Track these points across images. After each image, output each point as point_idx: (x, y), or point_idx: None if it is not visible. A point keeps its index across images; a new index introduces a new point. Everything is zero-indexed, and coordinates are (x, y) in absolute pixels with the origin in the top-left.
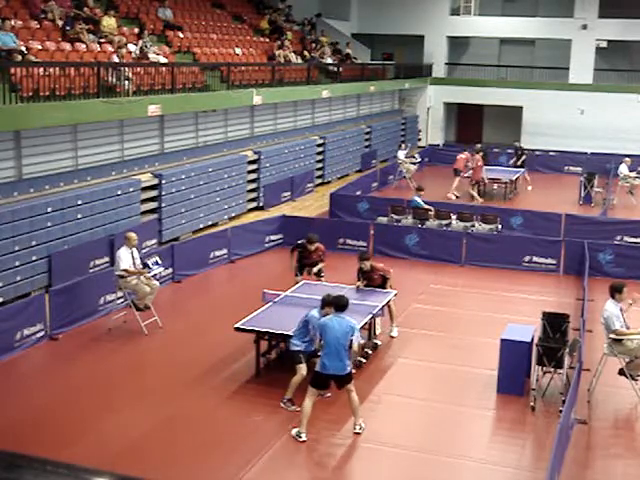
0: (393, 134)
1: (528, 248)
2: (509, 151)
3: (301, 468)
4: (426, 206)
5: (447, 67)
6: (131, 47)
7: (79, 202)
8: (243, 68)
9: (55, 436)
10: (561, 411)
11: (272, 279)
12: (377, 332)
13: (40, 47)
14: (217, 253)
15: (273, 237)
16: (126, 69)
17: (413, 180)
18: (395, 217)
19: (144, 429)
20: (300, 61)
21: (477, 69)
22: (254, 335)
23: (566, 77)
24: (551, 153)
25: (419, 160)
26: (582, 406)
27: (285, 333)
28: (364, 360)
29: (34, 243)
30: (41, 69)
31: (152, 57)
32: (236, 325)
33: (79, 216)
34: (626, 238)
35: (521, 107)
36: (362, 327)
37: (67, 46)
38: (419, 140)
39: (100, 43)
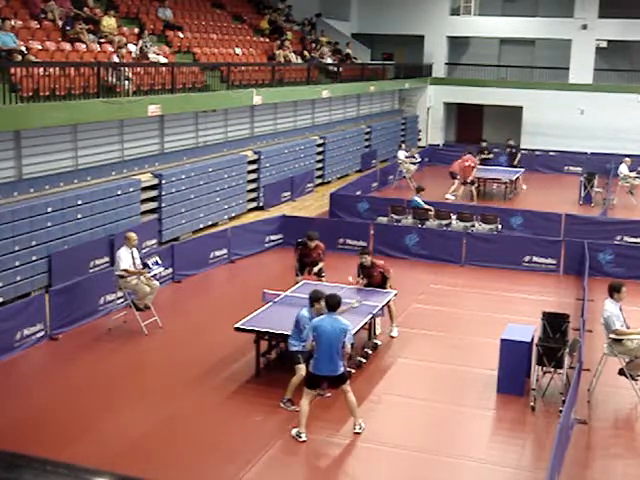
0: (393, 134)
1: (528, 248)
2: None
3: (301, 468)
4: (426, 206)
5: (447, 67)
6: (131, 47)
7: (79, 202)
8: (243, 68)
9: (55, 436)
10: (561, 411)
11: (272, 279)
12: (377, 332)
13: (40, 47)
14: (217, 253)
15: (273, 237)
16: (126, 69)
17: (413, 180)
18: (395, 217)
19: (144, 429)
20: (300, 61)
21: (477, 69)
22: (254, 335)
23: (566, 77)
24: (551, 153)
25: (419, 160)
26: (582, 406)
27: (285, 333)
28: (364, 360)
29: (34, 243)
30: (41, 69)
31: (152, 57)
32: (236, 325)
33: (79, 216)
34: (626, 238)
35: (521, 107)
36: (362, 327)
37: (67, 46)
38: (419, 140)
39: (100, 43)
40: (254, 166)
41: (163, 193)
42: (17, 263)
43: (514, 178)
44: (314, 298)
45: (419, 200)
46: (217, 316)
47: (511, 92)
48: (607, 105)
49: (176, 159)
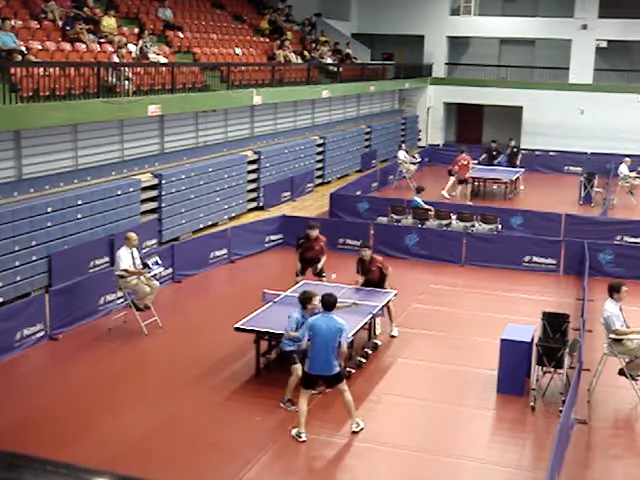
0: (393, 134)
1: (528, 248)
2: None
3: (301, 468)
4: (426, 206)
5: (447, 67)
6: (131, 47)
7: (79, 202)
8: (243, 68)
9: (55, 436)
10: (561, 411)
11: (272, 279)
12: (377, 332)
13: (40, 47)
14: (217, 253)
15: (273, 237)
16: (126, 69)
17: (413, 180)
18: (395, 217)
19: (144, 429)
20: (300, 61)
21: (477, 69)
22: (254, 335)
23: (566, 77)
24: (551, 153)
25: (419, 160)
26: (582, 406)
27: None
28: (364, 360)
29: (34, 243)
30: (41, 69)
31: (152, 57)
32: (236, 325)
33: (79, 216)
34: (626, 238)
35: (521, 107)
36: (362, 327)
37: (67, 46)
38: (419, 140)
39: (100, 43)
40: (254, 166)
41: (163, 193)
42: (17, 263)
43: (514, 178)
44: (305, 299)
45: (419, 200)
46: (217, 316)
47: (511, 92)
48: (607, 105)
49: (176, 159)
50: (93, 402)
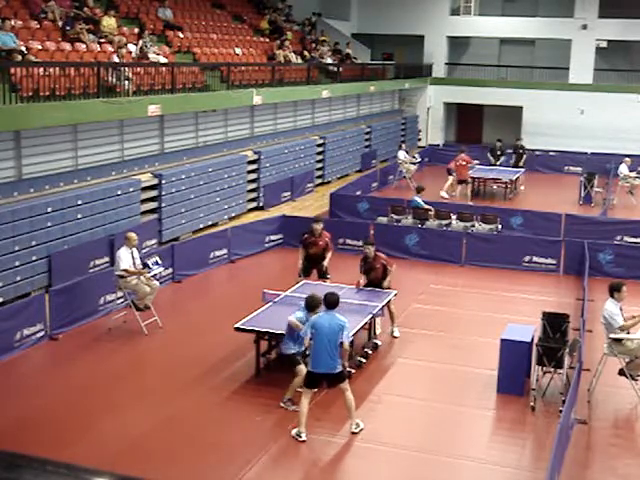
0: (393, 134)
1: (528, 248)
2: (509, 151)
3: (301, 468)
4: (426, 206)
5: (447, 67)
6: (131, 47)
7: (79, 202)
8: (243, 68)
9: (55, 436)
10: (561, 411)
11: (272, 279)
12: (377, 332)
13: (40, 47)
14: (217, 253)
15: (273, 237)
16: (126, 69)
17: (413, 180)
18: (395, 217)
19: (144, 429)
20: (300, 61)
21: (477, 69)
22: (254, 335)
23: (566, 77)
24: (551, 153)
25: (419, 160)
26: (582, 406)
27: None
28: (364, 360)
29: (34, 243)
30: (41, 69)
31: (152, 57)
32: (236, 325)
33: (79, 216)
34: (626, 238)
35: (521, 107)
36: (362, 327)
37: (67, 46)
38: (419, 140)
39: (100, 43)
40: (254, 166)
41: (163, 193)
42: (17, 263)
43: (514, 178)
44: (314, 305)
45: (419, 200)
46: (217, 316)
47: (511, 92)
48: (607, 105)
49: (176, 159)
50: (93, 402)
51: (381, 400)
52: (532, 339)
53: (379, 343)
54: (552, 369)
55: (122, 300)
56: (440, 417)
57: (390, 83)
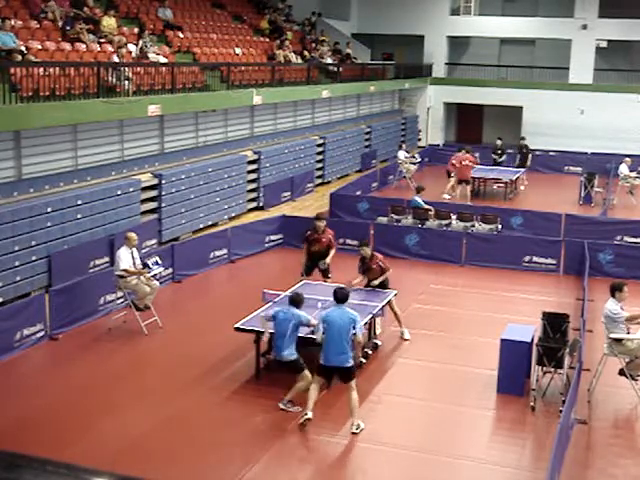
0: (393, 134)
1: (528, 248)
2: (509, 151)
3: (301, 468)
4: (426, 206)
5: (447, 67)
6: (131, 47)
7: (79, 202)
8: (243, 68)
9: (55, 436)
10: (561, 411)
11: (272, 279)
12: (377, 332)
13: (40, 47)
14: (217, 253)
15: (273, 237)
16: (126, 69)
17: (413, 180)
18: (395, 217)
19: (144, 429)
20: (300, 61)
21: (477, 69)
22: (254, 335)
23: (566, 77)
24: (551, 153)
25: (419, 160)
26: (582, 406)
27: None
28: (364, 360)
29: (34, 243)
30: (41, 69)
31: (152, 57)
32: (236, 325)
33: (79, 216)
34: (626, 238)
35: (521, 107)
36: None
37: (67, 46)
38: (419, 140)
39: (100, 43)
40: (254, 166)
41: (163, 193)
42: (17, 263)
43: (514, 178)
44: (298, 301)
45: (419, 200)
46: (217, 316)
47: (511, 92)
48: (607, 105)
49: (176, 159)
50: (93, 402)
51: (381, 400)
52: (532, 339)
53: (379, 343)
54: (552, 369)
55: (122, 300)
56: (440, 417)
57: (390, 83)
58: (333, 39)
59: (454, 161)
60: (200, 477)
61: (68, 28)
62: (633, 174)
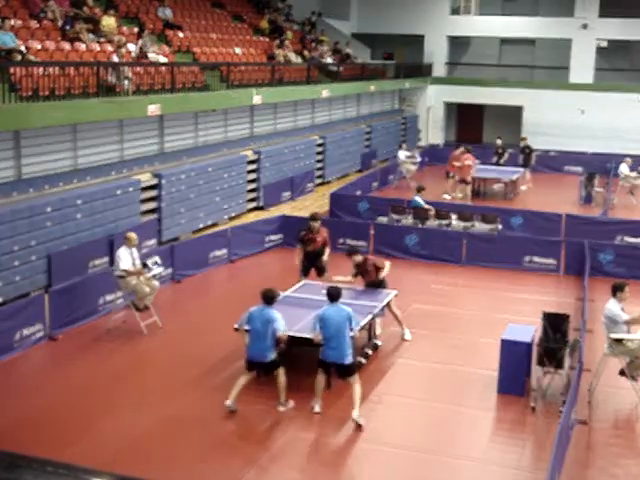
0: (393, 134)
1: (528, 248)
2: (510, 150)
3: (301, 468)
4: (426, 206)
5: (447, 67)
6: (131, 47)
7: (78, 202)
8: (243, 68)
9: (55, 436)
10: (561, 411)
11: (272, 279)
12: (377, 332)
13: (39, 47)
14: (217, 253)
15: (273, 237)
16: (126, 69)
17: (413, 180)
18: (395, 217)
19: (144, 429)
20: (300, 61)
21: (477, 69)
22: None
23: (566, 77)
24: (551, 153)
25: (419, 160)
26: (582, 406)
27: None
28: (364, 360)
29: (33, 243)
30: (40, 69)
31: (152, 57)
32: (236, 325)
33: (78, 216)
34: (626, 238)
35: (521, 107)
36: (362, 327)
37: (67, 46)
38: (419, 140)
39: (100, 43)
40: (254, 166)
41: (163, 193)
42: (17, 263)
43: (514, 178)
44: (270, 297)
45: (419, 200)
46: (217, 316)
47: (511, 92)
48: (607, 105)
49: (176, 159)
50: (93, 402)
51: (381, 400)
52: (532, 339)
53: (379, 343)
54: (552, 369)
55: (122, 300)
56: (440, 417)
57: (390, 83)
58: (333, 39)
59: (457, 163)
60: (200, 477)
61: (68, 28)
62: (633, 174)
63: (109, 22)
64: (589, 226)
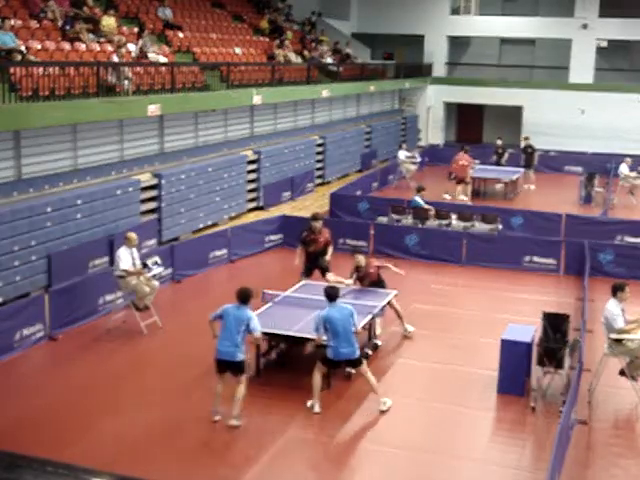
0: (393, 134)
1: (528, 248)
2: (510, 150)
3: (301, 468)
4: (426, 206)
5: (447, 67)
6: (131, 47)
7: (78, 202)
8: (243, 68)
9: (55, 436)
10: (561, 411)
11: (272, 279)
12: (377, 332)
13: (40, 47)
14: (217, 253)
15: (273, 237)
16: (126, 69)
17: (413, 180)
18: (395, 217)
19: (144, 429)
20: (300, 61)
21: (477, 69)
22: None
23: (566, 77)
24: (551, 153)
25: (419, 160)
26: (582, 406)
27: (285, 333)
28: (364, 360)
29: (33, 243)
30: (40, 69)
31: (152, 57)
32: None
33: (78, 216)
34: (626, 238)
35: (521, 107)
36: (362, 327)
37: (67, 46)
38: (419, 140)
39: (100, 43)
40: (254, 166)
41: (163, 193)
42: (17, 263)
43: (514, 178)
44: (244, 297)
45: (419, 200)
46: None
47: (511, 92)
48: (607, 105)
49: (176, 159)
50: (93, 402)
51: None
52: (532, 339)
53: (379, 343)
54: (552, 369)
55: (122, 300)
56: (440, 417)
57: (390, 83)
58: (333, 39)
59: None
60: (200, 477)
61: (68, 28)
62: (633, 174)
63: (109, 22)
64: (589, 226)
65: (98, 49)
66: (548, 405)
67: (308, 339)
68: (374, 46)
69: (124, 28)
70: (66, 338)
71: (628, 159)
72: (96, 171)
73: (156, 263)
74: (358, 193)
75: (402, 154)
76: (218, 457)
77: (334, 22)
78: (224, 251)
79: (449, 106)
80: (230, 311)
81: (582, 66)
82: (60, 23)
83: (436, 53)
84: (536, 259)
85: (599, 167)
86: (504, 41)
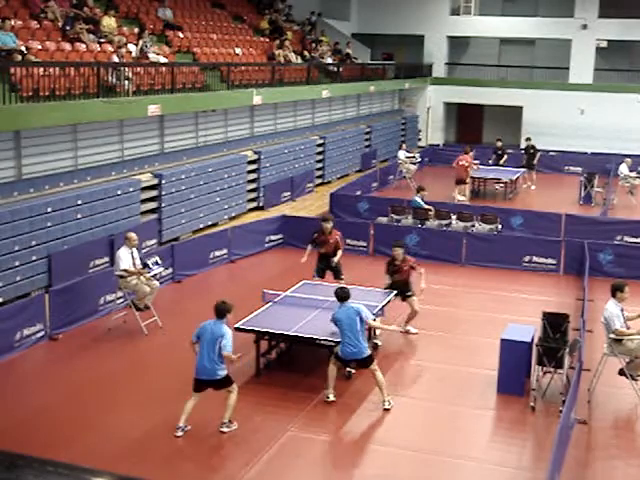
0: (393, 134)
1: (528, 248)
2: (510, 151)
3: (301, 468)
4: (426, 206)
5: (447, 67)
6: (131, 47)
7: (79, 202)
8: (243, 68)
9: (55, 436)
10: (561, 411)
11: (272, 279)
12: (377, 332)
13: (40, 47)
14: (217, 253)
15: (273, 237)
16: (126, 69)
17: (413, 180)
18: (395, 217)
19: (144, 429)
20: (300, 61)
21: (477, 69)
22: (254, 335)
23: (566, 77)
24: (551, 153)
25: (419, 160)
26: (582, 406)
27: (285, 333)
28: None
29: (34, 243)
30: (41, 69)
31: (152, 57)
32: (236, 325)
33: (79, 216)
34: (626, 238)
35: (521, 107)
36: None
37: (67, 46)
38: (419, 140)
39: (100, 43)
40: (254, 166)
41: (163, 193)
42: (17, 263)
43: (514, 178)
44: (221, 310)
45: (419, 200)
46: None
47: (511, 92)
48: (607, 105)
49: (176, 159)
50: (93, 402)
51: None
52: (532, 339)
53: (379, 343)
54: (552, 369)
55: (122, 300)
56: (440, 417)
57: (390, 83)
58: (333, 39)
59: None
60: (200, 477)
61: (68, 28)
62: (633, 174)
63: (109, 22)
64: (589, 226)
65: (98, 49)
66: (548, 405)
67: (308, 339)
68: (374, 46)
69: (124, 28)
70: (66, 338)
71: (628, 159)
72: (96, 171)
73: (156, 263)
74: (358, 193)
75: (402, 154)
76: (218, 456)
77: (334, 22)
78: (224, 251)
79: (449, 106)
80: (207, 327)
81: (582, 66)
82: (60, 23)
83: (436, 53)
84: (536, 259)
85: (599, 167)
86: (504, 41)
